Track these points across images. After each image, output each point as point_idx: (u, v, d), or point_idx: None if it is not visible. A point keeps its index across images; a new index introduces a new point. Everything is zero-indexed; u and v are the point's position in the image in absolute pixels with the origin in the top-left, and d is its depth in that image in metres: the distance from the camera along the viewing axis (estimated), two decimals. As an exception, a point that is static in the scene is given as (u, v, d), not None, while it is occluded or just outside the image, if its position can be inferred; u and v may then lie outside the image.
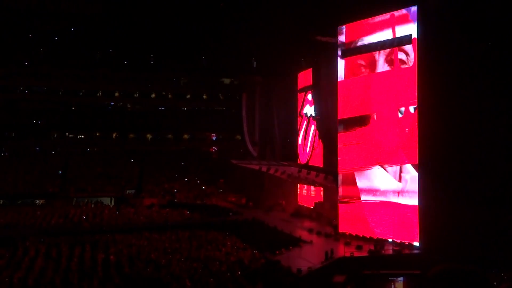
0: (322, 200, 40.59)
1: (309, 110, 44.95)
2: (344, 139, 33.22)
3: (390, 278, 21.08)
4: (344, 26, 33.73)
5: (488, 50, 27.30)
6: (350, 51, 33.29)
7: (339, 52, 33.95)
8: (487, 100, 26.28)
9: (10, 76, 59.21)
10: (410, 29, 29.04)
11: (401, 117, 29.46)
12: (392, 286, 20.76)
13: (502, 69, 26.22)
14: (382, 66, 30.99)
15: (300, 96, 46.87)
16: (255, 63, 60.55)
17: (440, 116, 26.88)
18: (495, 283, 19.33)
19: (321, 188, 40.63)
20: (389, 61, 30.38)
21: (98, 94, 61.83)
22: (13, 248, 29.08)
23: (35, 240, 31.17)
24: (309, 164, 42.54)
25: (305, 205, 43.40)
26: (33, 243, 30.41)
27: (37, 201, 49.17)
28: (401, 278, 20.93)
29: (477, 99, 26.39)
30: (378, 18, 31.29)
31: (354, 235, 30.67)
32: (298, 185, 45.43)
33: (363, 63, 32.54)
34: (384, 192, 30.00)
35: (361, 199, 31.39)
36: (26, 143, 58.80)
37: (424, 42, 28.12)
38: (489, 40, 27.35)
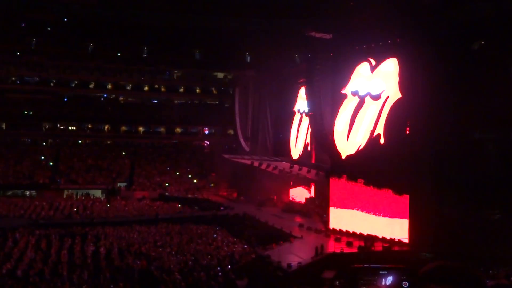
0: (313, 196, 40.73)
1: (302, 106, 44.93)
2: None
3: (380, 272, 21.08)
4: (337, 22, 33.66)
5: (481, 49, 27.41)
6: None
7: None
8: (478, 99, 26.37)
9: (1, 66, 58.71)
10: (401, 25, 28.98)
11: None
12: (383, 280, 20.73)
13: (494, 68, 26.31)
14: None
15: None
16: (248, 57, 60.44)
17: (431, 116, 26.89)
18: (487, 281, 19.55)
19: (313, 184, 40.75)
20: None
21: (91, 86, 61.49)
22: (2, 239, 28.94)
23: (25, 231, 31.04)
24: (301, 159, 42.61)
25: (297, 201, 43.47)
26: (22, 234, 30.28)
27: (28, 192, 48.98)
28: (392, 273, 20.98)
29: (468, 98, 26.48)
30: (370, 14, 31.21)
31: (344, 231, 30.69)
32: (290, 180, 45.46)
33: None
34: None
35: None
36: (17, 134, 58.37)
37: (413, 40, 28.03)
38: (482, 39, 27.44)
